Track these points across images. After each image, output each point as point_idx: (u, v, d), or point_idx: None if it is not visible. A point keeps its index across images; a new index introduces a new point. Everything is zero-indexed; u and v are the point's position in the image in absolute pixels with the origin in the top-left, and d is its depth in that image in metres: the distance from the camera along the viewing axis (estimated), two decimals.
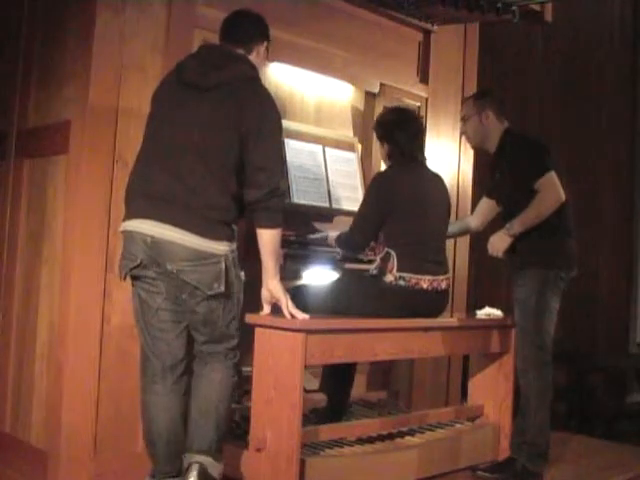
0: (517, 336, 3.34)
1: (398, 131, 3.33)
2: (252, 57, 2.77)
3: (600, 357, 5.59)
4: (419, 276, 3.18)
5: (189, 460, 2.64)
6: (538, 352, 3.24)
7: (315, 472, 2.82)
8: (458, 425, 3.59)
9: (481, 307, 3.62)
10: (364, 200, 3.31)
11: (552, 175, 3.24)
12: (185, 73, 2.67)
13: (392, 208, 3.19)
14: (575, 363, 5.32)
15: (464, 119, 3.51)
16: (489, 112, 3.42)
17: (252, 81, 2.67)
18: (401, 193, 3.21)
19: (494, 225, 3.50)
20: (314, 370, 3.46)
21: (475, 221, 3.71)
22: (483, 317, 3.54)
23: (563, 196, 3.25)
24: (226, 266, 2.58)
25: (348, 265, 3.52)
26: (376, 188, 3.26)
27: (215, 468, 2.65)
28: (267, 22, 2.85)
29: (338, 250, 3.38)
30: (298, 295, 3.02)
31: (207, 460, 2.62)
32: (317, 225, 3.63)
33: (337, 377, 3.41)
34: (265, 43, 2.83)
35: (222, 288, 2.57)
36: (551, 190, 3.23)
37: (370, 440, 3.23)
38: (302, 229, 3.46)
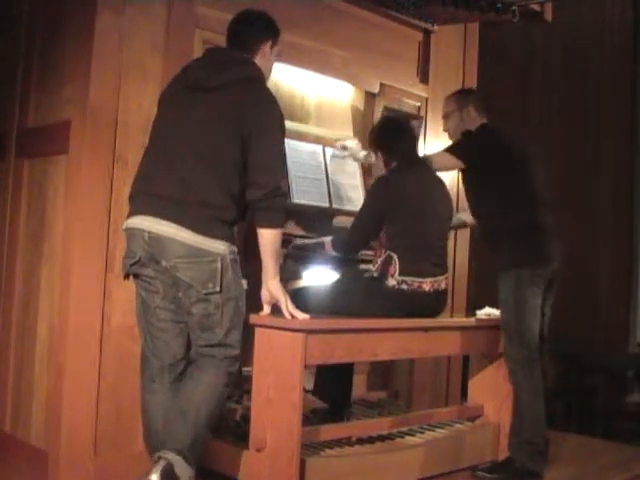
0: (503, 337, 3.36)
1: (397, 141, 3.36)
2: (257, 58, 2.78)
3: (600, 357, 5.58)
4: (421, 279, 3.19)
5: (157, 454, 2.52)
6: (524, 351, 3.26)
7: (315, 472, 2.82)
8: (458, 425, 3.59)
9: (481, 307, 3.63)
10: (364, 202, 3.33)
11: (453, 160, 3.37)
12: (189, 75, 2.71)
13: (390, 210, 3.19)
14: (575, 363, 5.32)
15: (446, 116, 3.57)
16: (470, 108, 3.49)
17: (254, 82, 2.68)
18: (401, 195, 3.21)
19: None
20: (314, 370, 3.46)
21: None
22: (483, 317, 3.54)
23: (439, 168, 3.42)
24: (222, 266, 2.57)
25: (348, 266, 3.51)
26: (375, 191, 3.29)
27: (183, 469, 2.50)
28: (272, 20, 2.85)
29: (334, 253, 3.37)
30: (298, 297, 3.02)
31: (176, 458, 2.49)
32: (317, 225, 3.61)
33: (335, 380, 3.41)
34: (270, 42, 2.83)
35: (217, 288, 2.56)
36: (438, 159, 3.43)
37: (370, 440, 3.23)
38: (299, 231, 3.45)
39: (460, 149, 3.41)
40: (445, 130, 3.63)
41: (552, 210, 3.45)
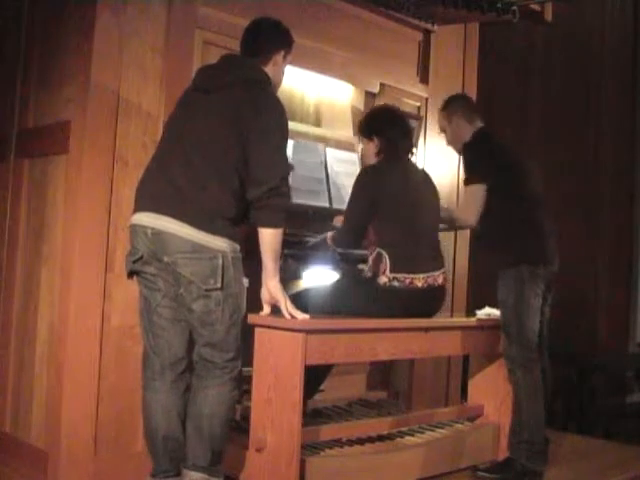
0: (502, 337, 3.36)
1: (391, 127, 3.33)
2: (270, 66, 2.81)
3: (600, 357, 5.59)
4: (413, 275, 3.15)
5: (183, 477, 2.66)
6: (523, 351, 3.26)
7: (315, 472, 2.82)
8: (458, 425, 3.59)
9: (481, 307, 3.62)
10: (351, 196, 3.27)
11: (476, 189, 3.34)
12: (198, 78, 2.78)
13: (378, 202, 3.16)
14: (575, 363, 5.32)
15: (442, 131, 3.61)
16: (457, 119, 3.51)
17: (257, 84, 2.70)
18: (388, 187, 3.18)
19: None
20: None
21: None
22: (483, 317, 3.54)
23: (473, 220, 3.38)
24: (223, 263, 2.58)
25: (348, 266, 3.52)
26: (361, 183, 3.24)
27: None
28: (287, 29, 2.86)
29: (336, 249, 3.37)
30: (298, 298, 3.01)
31: (202, 477, 2.63)
32: (317, 225, 3.62)
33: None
34: (283, 52, 2.85)
35: (218, 284, 2.57)
36: (465, 206, 3.46)
37: (370, 440, 3.23)
38: (302, 232, 3.45)
39: (475, 173, 3.37)
40: (448, 144, 3.65)
41: (549, 212, 3.46)
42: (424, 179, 3.41)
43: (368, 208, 3.18)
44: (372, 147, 3.34)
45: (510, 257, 3.31)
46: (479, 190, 3.34)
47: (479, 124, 3.50)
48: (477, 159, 3.40)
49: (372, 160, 3.35)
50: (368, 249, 3.25)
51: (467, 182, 3.40)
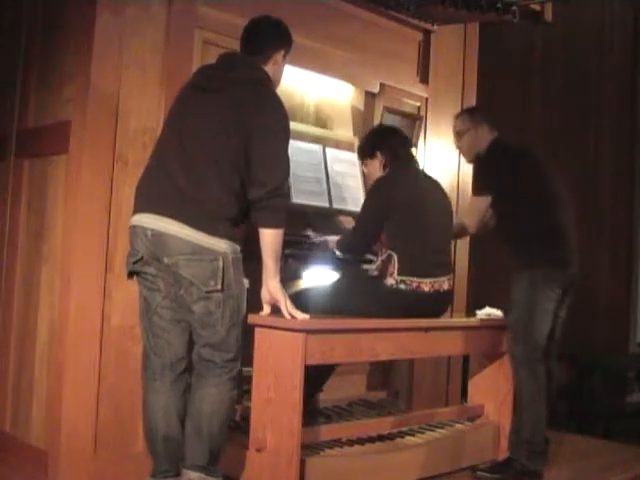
0: (508, 336, 3.36)
1: (390, 137, 3.45)
2: (269, 65, 2.81)
3: (600, 357, 5.59)
4: (420, 279, 3.18)
5: (182, 477, 2.65)
6: (527, 351, 3.27)
7: (315, 472, 2.82)
8: (458, 425, 3.59)
9: (481, 307, 3.63)
10: (364, 204, 3.35)
11: (481, 200, 3.41)
12: (197, 77, 2.77)
13: (391, 210, 3.20)
14: (575, 363, 5.32)
15: (460, 134, 3.60)
16: (484, 126, 3.53)
17: (258, 83, 2.70)
18: (401, 195, 3.23)
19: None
20: None
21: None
22: (483, 317, 3.54)
23: (472, 228, 3.50)
24: (224, 264, 2.58)
25: (349, 265, 3.52)
26: (375, 192, 3.30)
27: None
28: (287, 28, 2.86)
29: (338, 254, 3.38)
30: (298, 298, 3.01)
31: (200, 477, 2.62)
32: (317, 225, 3.62)
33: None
34: (283, 51, 2.85)
35: (218, 286, 2.57)
36: (467, 215, 3.56)
37: (370, 440, 3.23)
38: (302, 232, 3.45)
39: (483, 184, 3.43)
40: (458, 147, 3.68)
41: (571, 214, 3.46)
42: (434, 185, 3.45)
43: (381, 216, 3.23)
44: (376, 164, 3.42)
45: (524, 260, 3.32)
46: (483, 201, 3.41)
47: (495, 133, 3.53)
48: (485, 170, 3.45)
49: (378, 173, 3.41)
50: (378, 252, 3.27)
51: (473, 192, 3.48)
